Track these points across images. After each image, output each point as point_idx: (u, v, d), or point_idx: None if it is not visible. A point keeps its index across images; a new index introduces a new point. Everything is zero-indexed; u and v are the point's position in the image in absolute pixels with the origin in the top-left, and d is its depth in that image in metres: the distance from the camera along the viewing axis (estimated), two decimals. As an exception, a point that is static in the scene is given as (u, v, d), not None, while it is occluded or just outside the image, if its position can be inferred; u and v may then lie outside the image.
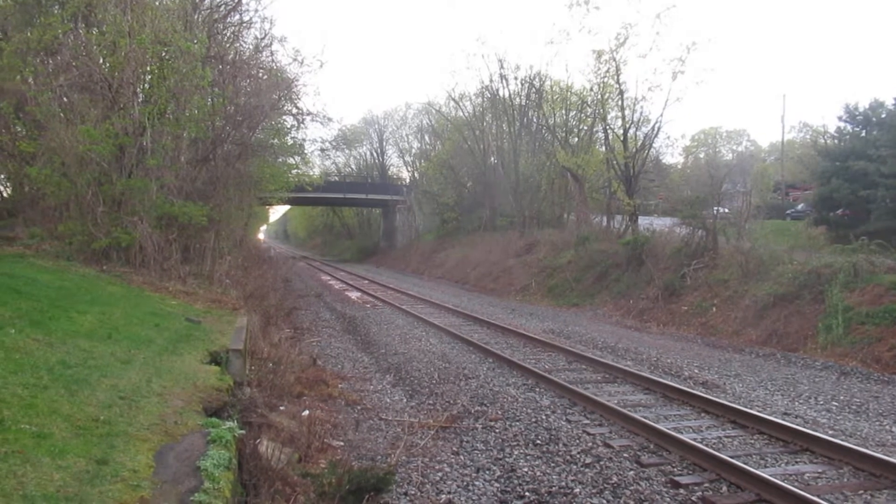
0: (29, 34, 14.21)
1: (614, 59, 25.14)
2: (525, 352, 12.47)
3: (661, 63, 32.79)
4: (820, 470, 6.21)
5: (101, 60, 14.14)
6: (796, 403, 8.95)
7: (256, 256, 26.90)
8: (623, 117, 26.02)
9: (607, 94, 27.20)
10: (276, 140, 22.45)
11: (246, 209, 21.15)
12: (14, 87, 13.76)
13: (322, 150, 43.92)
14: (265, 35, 21.66)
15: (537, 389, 9.36)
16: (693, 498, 5.58)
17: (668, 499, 5.58)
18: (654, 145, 27.46)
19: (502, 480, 5.98)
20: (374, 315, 17.80)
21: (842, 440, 6.87)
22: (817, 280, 13.98)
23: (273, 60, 21.33)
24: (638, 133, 26.18)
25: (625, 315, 18.27)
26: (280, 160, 25.45)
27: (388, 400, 8.99)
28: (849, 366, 11.24)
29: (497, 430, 7.43)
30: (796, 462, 6.47)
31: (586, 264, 23.50)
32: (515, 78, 37.26)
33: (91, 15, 14.91)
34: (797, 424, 7.46)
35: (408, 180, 58.46)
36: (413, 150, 60.43)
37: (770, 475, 5.71)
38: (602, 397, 8.62)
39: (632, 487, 5.80)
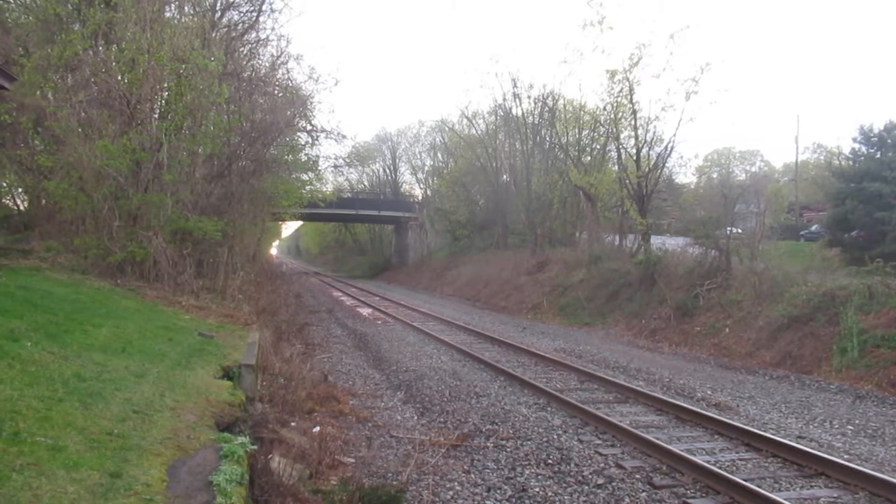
0: (50, 51, 14.48)
1: (628, 79, 25.16)
2: (536, 370, 12.42)
3: (674, 83, 32.90)
4: (835, 495, 6.12)
5: (119, 77, 14.39)
6: (811, 427, 8.85)
7: (269, 272, 27.05)
8: (636, 137, 25.99)
9: (620, 114, 27.21)
10: (290, 156, 22.69)
11: (259, 224, 21.32)
12: (34, 103, 13.99)
13: (335, 166, 44.20)
14: (281, 53, 22.07)
15: (549, 409, 9.31)
16: (706, 521, 5.52)
17: (680, 522, 5.52)
18: (667, 165, 27.40)
19: (513, 500, 5.94)
20: (386, 332, 17.79)
21: (857, 465, 6.77)
22: (832, 302, 13.84)
23: (289, 78, 21.69)
24: (651, 152, 26.11)
25: (637, 335, 18.17)
26: (294, 176, 25.66)
27: (399, 417, 8.97)
28: (864, 389, 11.10)
29: (508, 449, 7.39)
30: (811, 486, 6.38)
31: (598, 283, 23.42)
32: (529, 97, 37.41)
33: (111, 32, 15.18)
34: (812, 448, 7.36)
35: (420, 197, 58.62)
36: (426, 168, 60.73)
37: (785, 499, 5.64)
38: (614, 417, 8.56)
39: (644, 510, 5.74)
